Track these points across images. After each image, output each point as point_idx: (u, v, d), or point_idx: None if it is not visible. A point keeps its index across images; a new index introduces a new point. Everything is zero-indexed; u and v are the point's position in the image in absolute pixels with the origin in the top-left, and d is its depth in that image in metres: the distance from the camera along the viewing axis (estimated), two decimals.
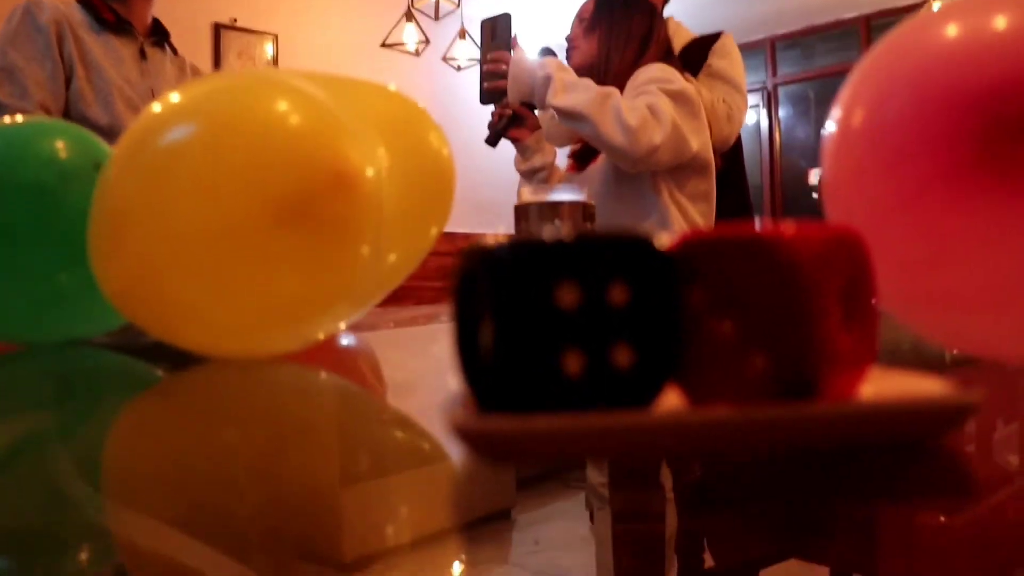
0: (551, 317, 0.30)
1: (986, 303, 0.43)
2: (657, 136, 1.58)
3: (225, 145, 0.60)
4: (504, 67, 1.70)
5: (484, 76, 1.74)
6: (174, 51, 2.00)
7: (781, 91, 7.25)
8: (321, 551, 0.36)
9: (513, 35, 1.75)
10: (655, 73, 1.69)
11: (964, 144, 0.40)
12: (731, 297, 0.31)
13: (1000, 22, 0.42)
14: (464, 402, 0.32)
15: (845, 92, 0.49)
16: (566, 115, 1.64)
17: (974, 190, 0.40)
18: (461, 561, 0.33)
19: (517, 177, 1.94)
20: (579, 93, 1.62)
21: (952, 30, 0.44)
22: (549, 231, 0.31)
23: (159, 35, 1.95)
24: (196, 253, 0.59)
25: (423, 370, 0.82)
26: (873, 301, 0.33)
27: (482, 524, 0.37)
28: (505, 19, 1.75)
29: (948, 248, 0.42)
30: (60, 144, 0.80)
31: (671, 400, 0.32)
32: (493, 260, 0.30)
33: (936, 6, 0.53)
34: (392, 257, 0.74)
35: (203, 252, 0.59)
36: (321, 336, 0.72)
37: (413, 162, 0.74)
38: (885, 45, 0.49)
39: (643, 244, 0.31)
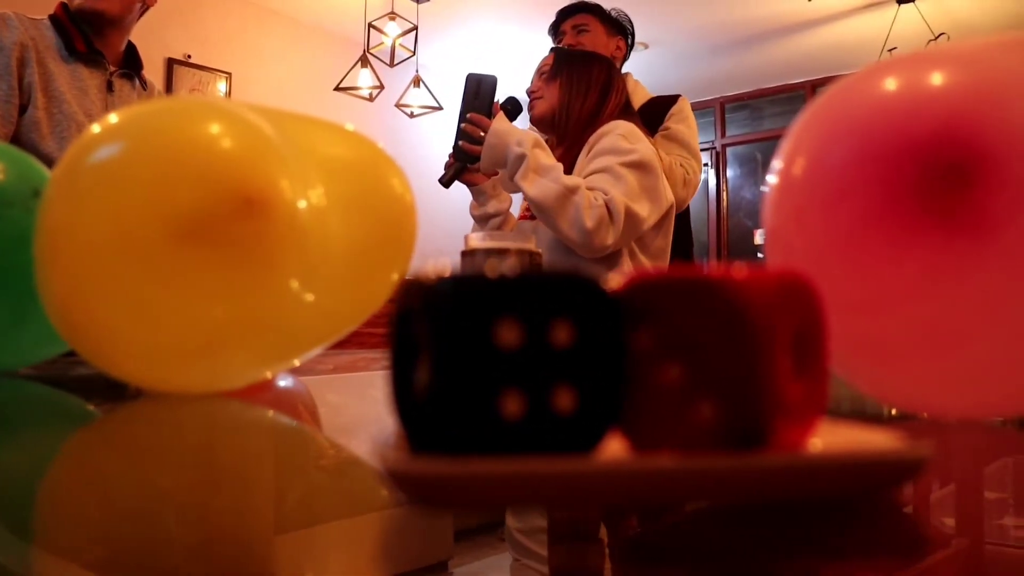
0: (490, 356, 0.28)
1: (920, 350, 0.43)
2: (610, 238, 1.62)
3: (140, 163, 0.59)
4: (482, 134, 1.70)
5: (460, 134, 1.74)
6: (143, 84, 1.95)
7: (729, 151, 7.40)
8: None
9: (496, 101, 1.75)
10: (615, 142, 1.70)
11: (900, 190, 0.40)
12: (679, 341, 0.30)
13: (935, 77, 0.43)
14: (397, 443, 0.30)
15: (786, 143, 0.49)
16: (529, 200, 1.66)
17: (910, 235, 0.40)
18: None
19: (467, 223, 1.93)
20: (546, 183, 1.63)
21: (890, 83, 0.45)
22: (492, 268, 0.29)
23: (130, 67, 1.90)
24: (110, 273, 0.58)
25: (361, 414, 0.79)
26: (825, 351, 0.32)
27: (418, 575, 0.35)
28: (490, 81, 1.76)
29: (884, 293, 0.42)
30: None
31: (614, 446, 0.31)
32: (431, 295, 0.29)
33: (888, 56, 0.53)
34: (343, 299, 0.72)
35: (116, 272, 0.58)
36: (263, 375, 0.70)
37: (372, 205, 0.73)
38: (825, 98, 0.49)
39: (588, 284, 0.30)
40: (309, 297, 0.66)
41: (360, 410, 0.83)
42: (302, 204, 0.61)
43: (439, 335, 0.28)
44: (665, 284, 0.31)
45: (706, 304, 0.29)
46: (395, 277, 0.78)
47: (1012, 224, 0.37)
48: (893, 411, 0.62)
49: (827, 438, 0.33)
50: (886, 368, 0.45)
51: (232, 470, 0.53)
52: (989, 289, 0.38)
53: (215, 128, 0.60)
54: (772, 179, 0.49)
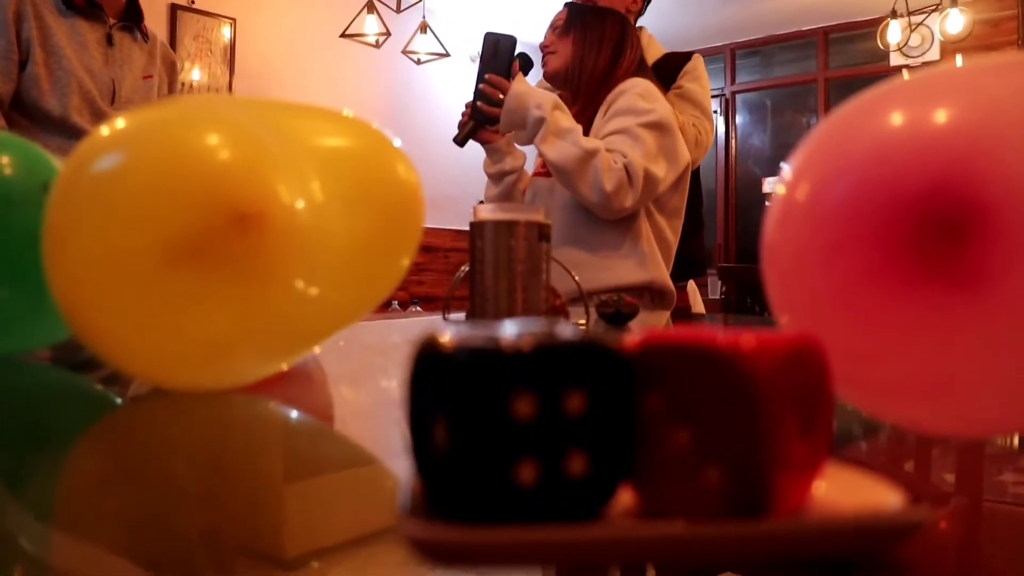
0: (506, 428, 0.29)
1: (920, 395, 0.44)
2: (628, 200, 1.62)
3: (132, 181, 0.59)
4: (501, 96, 1.69)
5: (478, 95, 1.73)
6: (145, 36, 1.93)
7: (739, 99, 7.33)
8: (262, 549, 0.36)
9: (515, 61, 1.74)
10: (633, 102, 1.69)
11: (900, 238, 0.41)
12: (688, 407, 0.31)
13: (938, 114, 0.43)
14: (416, 502, 0.31)
15: (794, 162, 0.49)
16: (549, 163, 1.66)
17: (908, 283, 0.41)
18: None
19: (476, 174, 1.93)
20: (566, 146, 1.62)
21: (895, 119, 0.45)
22: (501, 331, 0.30)
23: (131, 19, 1.88)
24: (110, 287, 0.59)
25: (375, 397, 0.81)
26: (829, 408, 0.33)
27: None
28: (509, 42, 1.75)
29: (884, 340, 0.43)
30: (7, 162, 0.78)
31: (623, 502, 0.32)
32: (449, 365, 0.29)
33: (905, 74, 0.53)
34: (352, 290, 0.72)
35: (115, 287, 0.59)
36: (278, 368, 0.71)
37: (377, 193, 0.73)
38: (835, 121, 0.49)
39: (601, 351, 0.31)
40: (313, 293, 0.67)
41: (374, 391, 0.84)
42: (300, 205, 0.61)
43: (456, 407, 0.29)
44: (675, 350, 0.31)
45: (714, 373, 0.30)
46: (405, 262, 0.79)
47: (1006, 278, 0.38)
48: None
49: (829, 489, 0.34)
50: (881, 404, 0.47)
51: (240, 457, 0.56)
52: (984, 340, 0.39)
53: (210, 142, 0.61)
54: (779, 191, 0.49)
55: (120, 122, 0.62)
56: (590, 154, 1.61)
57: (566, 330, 0.31)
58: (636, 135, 1.65)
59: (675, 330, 0.33)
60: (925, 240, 0.39)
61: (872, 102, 0.47)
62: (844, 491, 0.34)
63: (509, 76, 1.72)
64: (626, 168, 1.62)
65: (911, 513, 0.31)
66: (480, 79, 1.73)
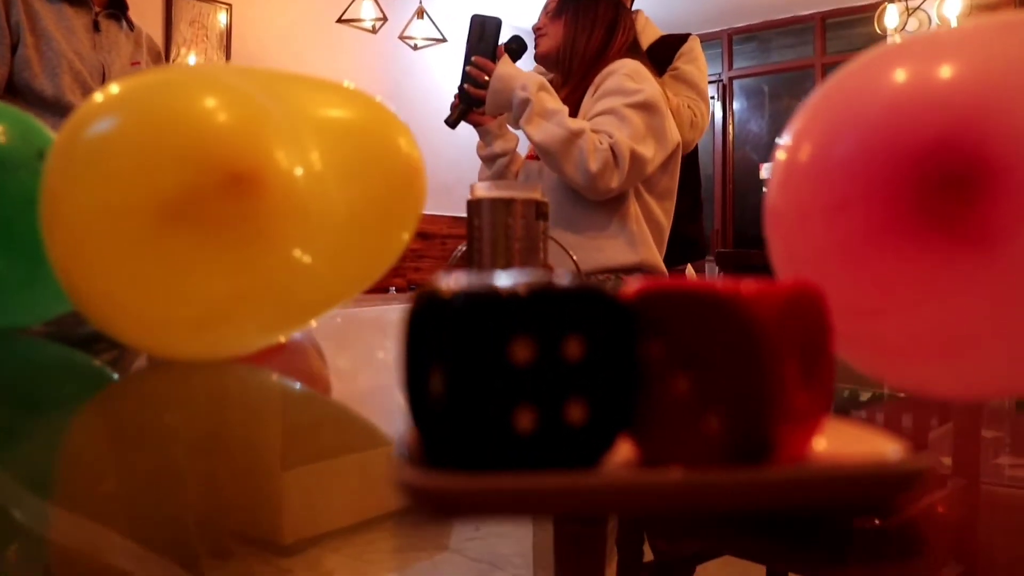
0: (504, 373, 0.29)
1: (921, 352, 0.43)
2: (614, 181, 1.62)
3: (128, 142, 0.59)
4: (486, 77, 1.69)
5: (465, 77, 1.73)
6: (130, 25, 1.95)
7: (736, 84, 7.31)
8: (261, 534, 0.36)
9: (500, 43, 1.74)
10: (621, 82, 1.69)
11: (904, 195, 0.40)
12: (688, 354, 0.30)
13: (942, 72, 0.42)
14: (411, 451, 0.31)
15: (795, 123, 0.49)
16: (534, 144, 1.65)
17: (913, 240, 0.41)
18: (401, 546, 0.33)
19: (474, 160, 1.92)
20: (551, 127, 1.62)
21: (898, 76, 0.44)
22: (501, 279, 0.30)
23: (116, 7, 1.90)
24: (105, 249, 0.59)
25: (370, 370, 0.81)
26: (830, 357, 0.32)
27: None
28: (494, 24, 1.75)
29: (888, 296, 0.42)
30: (2, 130, 0.77)
31: (622, 452, 0.32)
32: (446, 311, 0.29)
33: (895, 35, 0.52)
34: (352, 262, 0.72)
35: (110, 249, 0.59)
36: (275, 340, 0.71)
37: (378, 165, 0.73)
38: (836, 82, 0.49)
39: (600, 297, 0.30)
40: (309, 262, 0.66)
41: (370, 367, 0.84)
42: (299, 171, 0.61)
43: (454, 353, 0.29)
44: (676, 297, 0.31)
45: (715, 319, 0.30)
46: (405, 237, 0.79)
47: (1015, 235, 0.37)
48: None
49: (830, 441, 0.33)
50: (885, 362, 0.46)
51: (239, 427, 0.55)
52: (990, 297, 0.39)
53: (207, 104, 0.60)
54: (779, 157, 0.49)
55: (115, 87, 0.61)
56: (575, 135, 1.61)
57: (563, 278, 0.31)
58: (623, 115, 1.65)
59: (673, 279, 0.32)
60: (931, 197, 0.39)
61: (873, 63, 0.47)
62: (845, 442, 0.34)
63: (495, 58, 1.72)
64: (612, 148, 1.61)
65: (913, 461, 0.30)
66: (467, 61, 1.73)
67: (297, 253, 0.62)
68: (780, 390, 0.30)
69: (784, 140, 0.49)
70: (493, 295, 0.29)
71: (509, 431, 0.29)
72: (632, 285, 0.32)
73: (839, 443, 0.34)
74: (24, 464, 0.46)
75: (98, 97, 0.62)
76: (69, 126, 0.61)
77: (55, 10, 1.78)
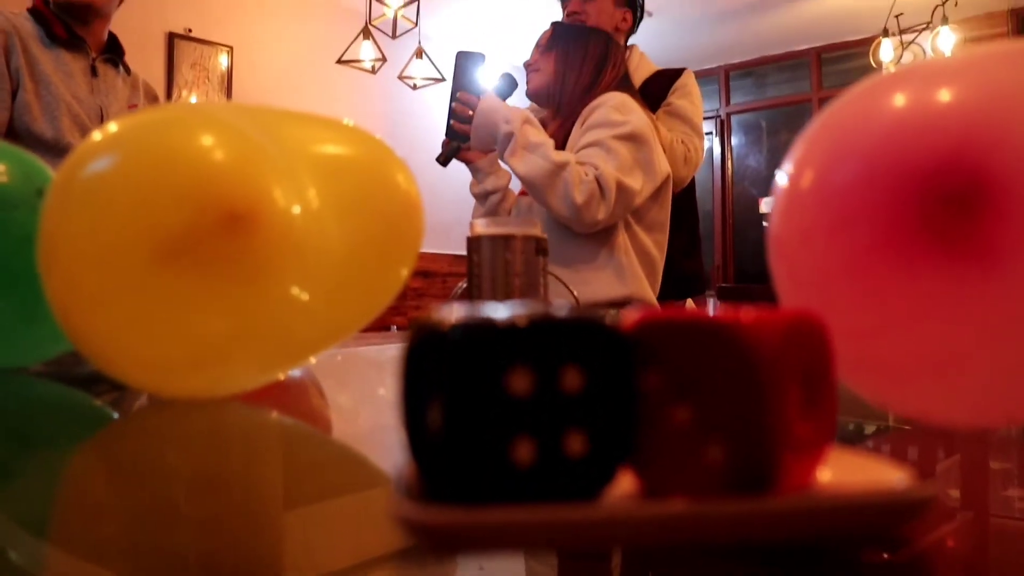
0: (502, 404, 0.28)
1: (923, 371, 0.43)
2: (601, 213, 1.62)
3: (125, 181, 0.59)
4: (470, 112, 1.70)
5: (451, 113, 1.74)
6: (127, 70, 1.97)
7: (734, 119, 7.35)
8: (262, 574, 0.35)
9: (489, 80, 1.76)
10: (607, 114, 1.69)
11: (907, 214, 0.40)
12: (688, 384, 0.30)
13: (943, 95, 0.43)
14: (410, 485, 0.30)
15: (795, 151, 0.49)
16: (519, 177, 1.66)
17: (916, 259, 0.41)
18: None
19: (472, 198, 1.93)
20: (535, 159, 1.63)
21: (899, 100, 0.45)
22: (499, 311, 0.30)
23: (112, 52, 1.93)
24: (103, 288, 0.59)
25: (371, 410, 0.80)
26: (833, 385, 0.32)
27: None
28: (479, 59, 1.76)
29: (891, 315, 0.42)
30: (2, 169, 0.77)
31: (623, 484, 0.31)
32: (444, 342, 0.29)
33: (890, 68, 0.53)
34: (350, 300, 0.72)
35: (108, 288, 0.58)
36: (274, 378, 0.70)
37: (376, 202, 0.73)
38: (836, 109, 0.49)
39: (599, 327, 0.30)
40: (308, 300, 0.66)
41: (371, 405, 0.83)
42: (296, 209, 0.61)
43: (451, 384, 0.28)
44: (675, 326, 0.31)
45: (715, 348, 0.30)
46: (404, 273, 0.78)
47: (1017, 254, 0.37)
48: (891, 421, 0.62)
49: (835, 471, 0.33)
50: (888, 384, 0.46)
51: (238, 466, 0.55)
52: (993, 316, 0.38)
53: (204, 142, 0.60)
54: (781, 182, 0.49)
55: (113, 126, 0.62)
56: (560, 167, 1.61)
57: (562, 309, 0.30)
58: (609, 147, 1.65)
59: (671, 308, 0.32)
60: (933, 214, 0.39)
61: (871, 90, 0.47)
62: (849, 472, 0.33)
63: (480, 94, 1.73)
64: (598, 180, 1.61)
65: (920, 490, 0.30)
66: (453, 97, 1.74)
67: (295, 291, 0.61)
68: (782, 419, 0.29)
69: (785, 167, 0.49)
70: (490, 326, 0.29)
71: (508, 463, 0.28)
72: (631, 315, 0.32)
73: (843, 472, 0.33)
74: (23, 503, 0.46)
75: (96, 136, 0.62)
76: (67, 164, 0.61)
77: (53, 55, 1.80)
